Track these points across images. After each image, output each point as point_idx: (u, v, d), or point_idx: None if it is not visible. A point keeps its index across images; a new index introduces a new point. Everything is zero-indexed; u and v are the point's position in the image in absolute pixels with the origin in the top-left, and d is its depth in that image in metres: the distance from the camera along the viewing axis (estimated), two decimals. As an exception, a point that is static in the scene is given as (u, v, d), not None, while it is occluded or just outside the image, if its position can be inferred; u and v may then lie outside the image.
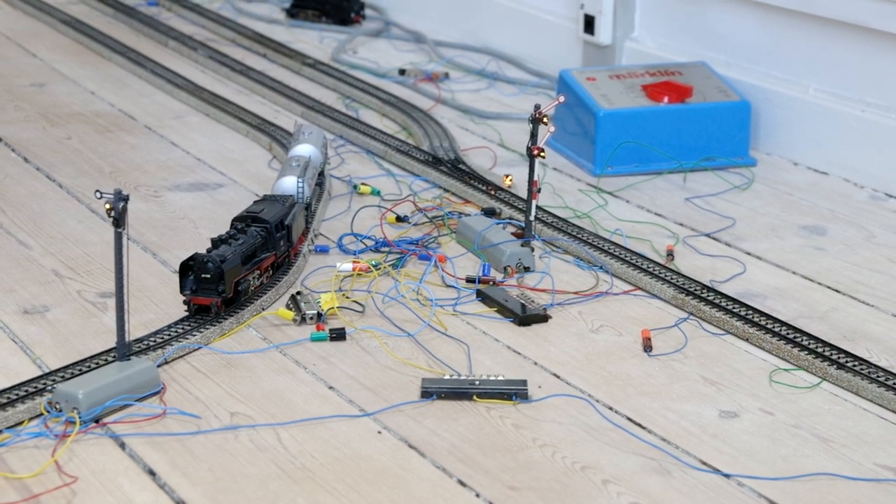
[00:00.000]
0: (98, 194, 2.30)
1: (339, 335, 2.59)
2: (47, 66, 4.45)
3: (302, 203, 3.00)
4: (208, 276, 2.59)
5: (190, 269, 2.61)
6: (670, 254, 3.01)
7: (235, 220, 2.80)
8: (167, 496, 2.09)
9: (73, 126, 3.84)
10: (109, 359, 2.43)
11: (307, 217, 3.03)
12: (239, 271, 2.65)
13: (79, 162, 3.55)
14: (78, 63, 4.50)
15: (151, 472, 2.14)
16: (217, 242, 2.67)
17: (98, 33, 4.78)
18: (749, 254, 3.06)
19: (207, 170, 3.51)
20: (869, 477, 2.18)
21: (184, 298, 2.62)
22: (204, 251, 2.63)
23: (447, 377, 2.42)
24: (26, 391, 2.31)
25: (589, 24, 4.22)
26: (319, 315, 2.64)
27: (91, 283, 2.82)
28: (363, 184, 3.37)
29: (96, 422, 2.27)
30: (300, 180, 3.04)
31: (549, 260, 2.99)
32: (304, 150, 3.22)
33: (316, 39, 4.86)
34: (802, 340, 2.57)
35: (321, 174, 3.27)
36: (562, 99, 3.06)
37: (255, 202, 2.90)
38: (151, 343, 2.51)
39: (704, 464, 2.21)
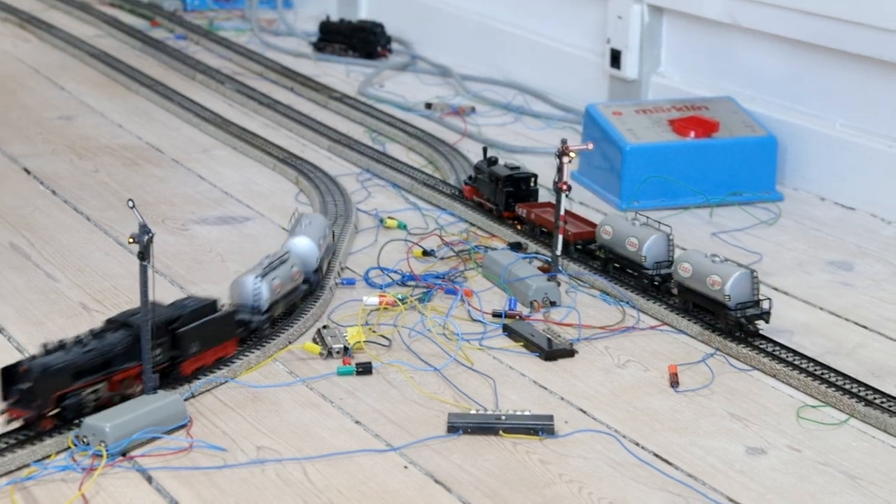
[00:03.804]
0: (130, 203, 2.33)
1: (365, 369, 2.59)
2: (75, 99, 4.48)
3: (234, 309, 2.64)
4: (24, 386, 2.25)
5: (11, 376, 2.27)
6: (697, 289, 3.01)
7: (108, 321, 2.46)
8: (193, 530, 2.09)
9: (101, 159, 3.86)
10: (136, 392, 2.43)
11: (265, 321, 2.69)
12: (65, 383, 2.28)
13: (106, 195, 3.57)
14: (106, 96, 4.52)
15: (178, 506, 2.15)
16: (56, 347, 2.33)
17: (126, 66, 4.81)
18: (776, 289, 3.05)
19: (234, 203, 3.52)
20: (897, 515, 2.17)
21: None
22: (41, 353, 2.34)
23: (473, 412, 2.42)
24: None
25: (615, 58, 4.23)
26: (346, 349, 2.65)
27: (118, 315, 2.82)
28: (390, 217, 3.38)
29: (123, 455, 2.27)
30: (258, 280, 2.69)
31: (575, 294, 2.99)
32: (296, 243, 2.90)
33: (343, 73, 4.88)
34: (830, 377, 2.56)
35: (317, 270, 2.91)
36: (590, 146, 3.09)
37: (172, 303, 2.56)
38: (178, 376, 2.51)
39: (731, 500, 2.20)
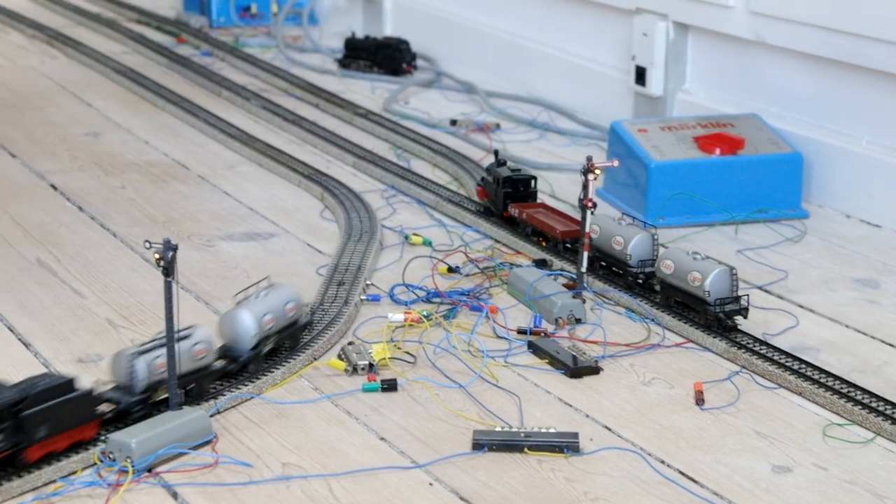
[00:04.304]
0: (147, 244, 2.32)
1: (390, 386, 2.59)
2: (102, 116, 4.50)
3: (90, 389, 2.33)
4: None
5: None
6: (722, 306, 3.00)
7: None
8: (219, 546, 2.09)
9: (128, 175, 3.88)
10: (162, 408, 2.43)
11: (136, 404, 2.38)
12: None
13: (132, 211, 3.58)
14: (132, 112, 4.54)
15: (203, 522, 2.15)
16: None
17: (152, 83, 4.83)
18: (802, 307, 3.05)
19: (260, 219, 3.53)
20: (924, 534, 2.16)
21: None
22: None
23: (498, 429, 2.41)
24: (80, 440, 2.32)
25: (640, 75, 4.23)
26: (371, 366, 2.65)
27: (144, 332, 2.83)
28: (415, 234, 3.38)
29: (149, 471, 2.28)
30: (133, 357, 2.39)
31: (600, 311, 2.98)
32: (227, 317, 2.60)
33: (368, 90, 4.89)
34: (856, 395, 2.56)
35: (255, 348, 2.59)
36: (616, 163, 3.08)
37: (22, 382, 2.28)
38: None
39: (757, 519, 2.20)
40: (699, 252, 2.89)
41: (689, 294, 2.86)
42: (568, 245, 3.22)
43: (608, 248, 3.07)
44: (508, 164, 3.48)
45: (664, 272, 2.92)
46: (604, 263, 3.10)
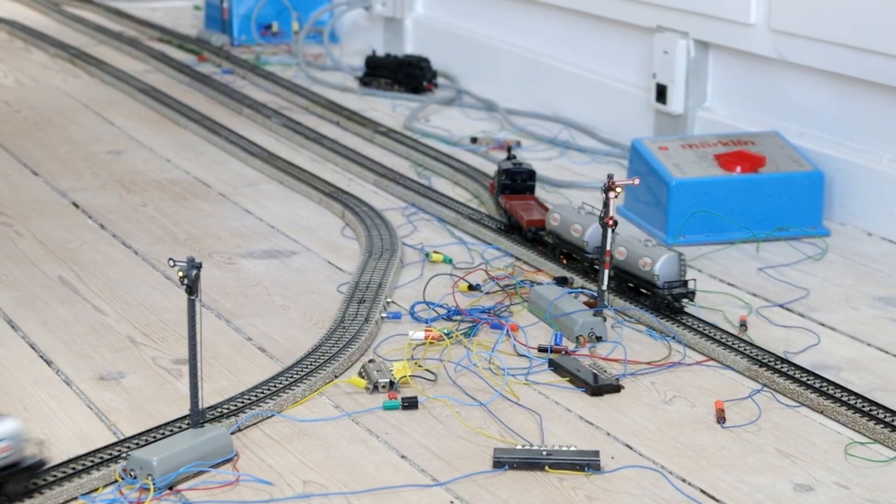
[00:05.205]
0: (171, 262, 2.33)
1: (411, 404, 2.59)
2: (124, 134, 4.51)
3: None
4: None
5: None
6: (743, 324, 2.99)
7: None
8: (240, 564, 2.09)
9: (149, 193, 3.89)
10: (183, 426, 2.44)
11: None
12: None
13: (154, 229, 3.59)
14: (154, 130, 4.55)
15: (224, 540, 2.15)
16: None
17: (174, 101, 4.84)
18: (823, 325, 3.04)
19: (281, 237, 3.54)
20: (947, 553, 2.15)
21: None
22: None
23: (519, 447, 2.41)
24: (101, 458, 2.33)
25: (661, 93, 4.23)
26: (392, 383, 2.65)
27: (165, 349, 2.84)
28: (435, 252, 3.38)
29: (170, 489, 2.28)
30: None
31: (621, 329, 2.98)
32: None
33: (388, 107, 4.89)
34: (878, 413, 2.55)
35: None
36: (637, 181, 3.09)
37: None
38: (225, 410, 2.53)
39: (779, 538, 2.19)
40: (651, 239, 3.08)
41: (639, 278, 3.02)
42: (533, 234, 3.36)
43: (567, 236, 3.24)
44: (516, 159, 3.58)
45: (617, 258, 3.08)
46: (564, 251, 3.26)
